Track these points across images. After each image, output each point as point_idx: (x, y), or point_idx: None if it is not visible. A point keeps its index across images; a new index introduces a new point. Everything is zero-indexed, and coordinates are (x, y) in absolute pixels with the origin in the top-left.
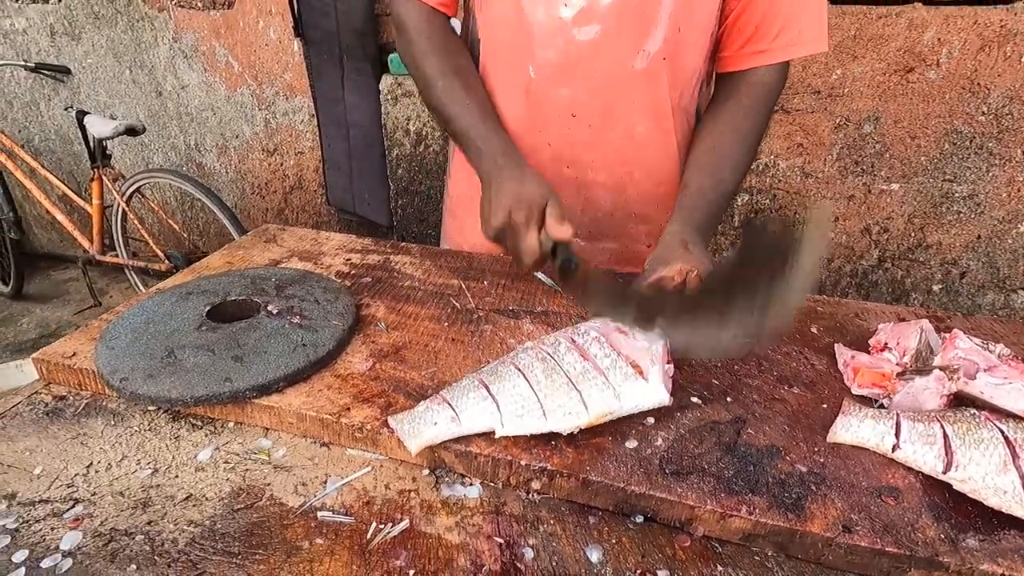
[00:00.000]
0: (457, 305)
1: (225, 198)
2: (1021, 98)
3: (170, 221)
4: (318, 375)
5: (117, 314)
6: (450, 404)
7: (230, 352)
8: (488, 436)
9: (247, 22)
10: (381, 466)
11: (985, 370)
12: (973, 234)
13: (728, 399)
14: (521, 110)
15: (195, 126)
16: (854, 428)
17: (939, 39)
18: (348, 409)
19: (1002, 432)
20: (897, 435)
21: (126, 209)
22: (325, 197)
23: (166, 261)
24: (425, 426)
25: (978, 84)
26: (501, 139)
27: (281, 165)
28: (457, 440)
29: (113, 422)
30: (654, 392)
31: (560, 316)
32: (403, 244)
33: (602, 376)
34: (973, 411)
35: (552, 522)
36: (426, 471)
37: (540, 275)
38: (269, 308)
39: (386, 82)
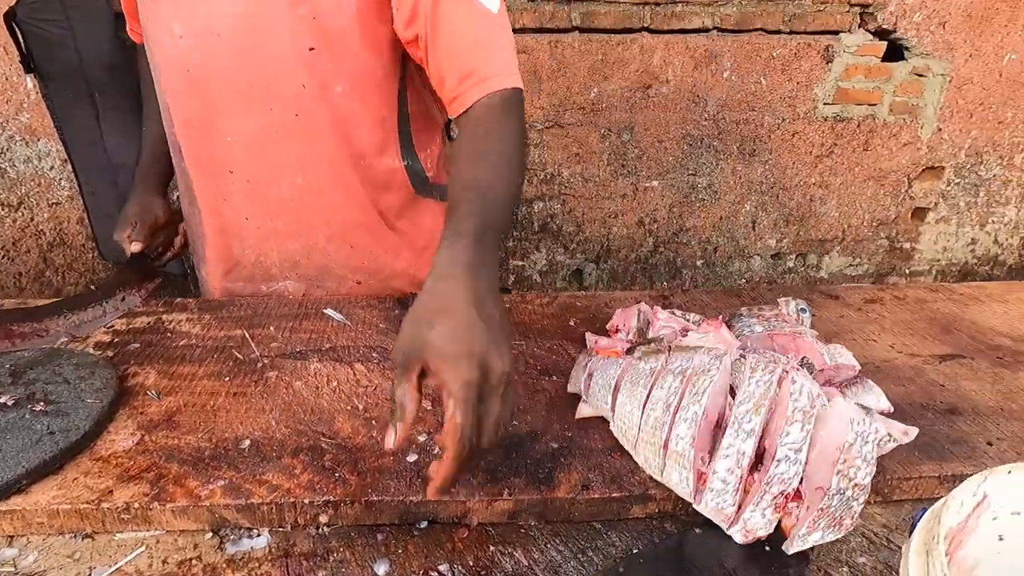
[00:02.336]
0: (240, 356)
1: None
2: (728, 106)
3: None
4: (73, 463)
5: None
6: (588, 380)
7: None
8: (268, 483)
9: None
10: (157, 542)
11: (690, 329)
12: (716, 216)
13: None
14: (193, 166)
15: None
16: (572, 378)
17: (664, 60)
18: (111, 492)
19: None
20: (587, 385)
21: None
22: (97, 251)
23: None
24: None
25: (698, 96)
26: (142, 168)
27: (32, 220)
28: (236, 495)
29: None
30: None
31: (349, 350)
32: (179, 300)
33: (693, 468)
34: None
35: (342, 549)
36: (208, 534)
37: (329, 311)
38: (2, 400)
39: None
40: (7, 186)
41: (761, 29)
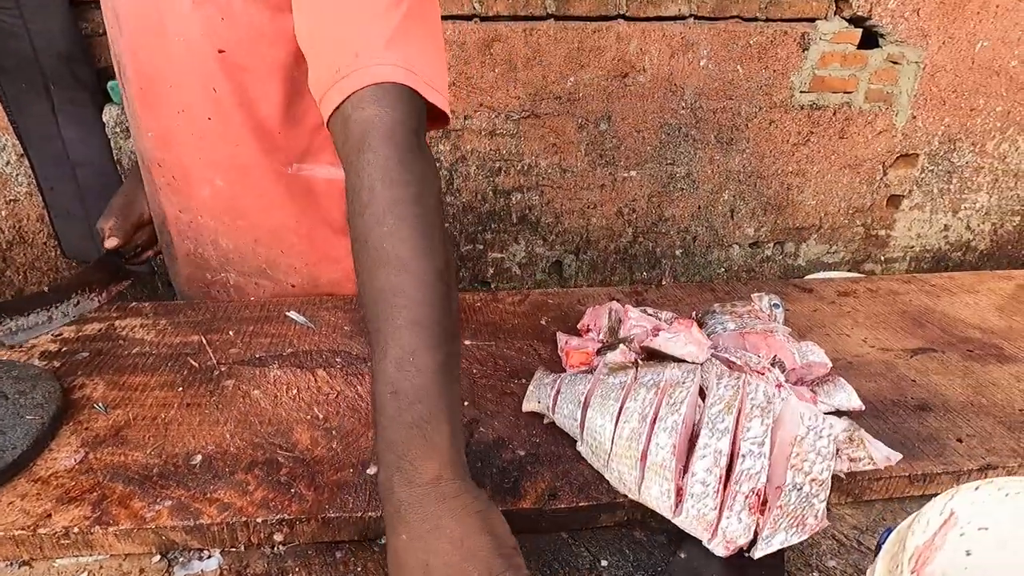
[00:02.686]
0: (196, 364)
1: None
2: (705, 94)
3: None
4: (8, 485)
5: None
6: (555, 396)
7: None
8: (219, 502)
9: None
10: (100, 567)
11: (662, 329)
12: (695, 205)
13: (466, 403)
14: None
15: None
16: (531, 396)
17: (641, 49)
18: (49, 516)
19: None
20: (555, 401)
21: None
22: (59, 249)
23: None
24: (536, 394)
25: (675, 84)
26: (133, 168)
27: None
28: (184, 515)
29: None
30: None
31: (311, 355)
32: (133, 304)
33: (674, 480)
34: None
35: (298, 569)
36: (156, 557)
37: (292, 313)
38: None
39: (111, 113)
40: None
41: (738, 16)
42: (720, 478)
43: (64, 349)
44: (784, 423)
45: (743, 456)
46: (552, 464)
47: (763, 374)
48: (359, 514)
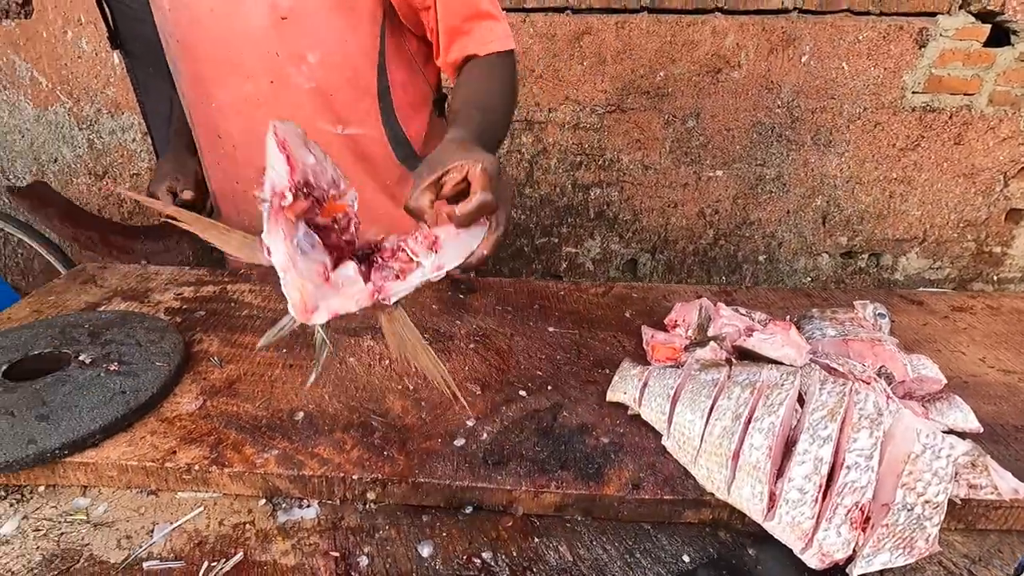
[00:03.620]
0: (297, 330)
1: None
2: (805, 92)
3: None
4: (141, 422)
5: None
6: (642, 388)
7: (33, 411)
8: (319, 456)
9: (52, 32)
10: (215, 504)
11: (755, 330)
12: (783, 209)
13: (549, 388)
14: (195, 131)
15: (1, 151)
16: (617, 386)
17: (738, 44)
18: (174, 452)
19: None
20: (642, 393)
21: None
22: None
23: None
24: (622, 386)
25: (772, 82)
26: (174, 128)
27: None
28: (289, 465)
29: None
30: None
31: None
32: (242, 271)
33: (768, 483)
34: (713, 371)
35: (387, 527)
36: (262, 501)
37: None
38: (81, 358)
39: None
40: (94, 157)
41: (847, 10)
42: (819, 487)
43: (184, 307)
44: (895, 438)
45: (847, 468)
46: (636, 455)
47: (868, 384)
48: (447, 482)
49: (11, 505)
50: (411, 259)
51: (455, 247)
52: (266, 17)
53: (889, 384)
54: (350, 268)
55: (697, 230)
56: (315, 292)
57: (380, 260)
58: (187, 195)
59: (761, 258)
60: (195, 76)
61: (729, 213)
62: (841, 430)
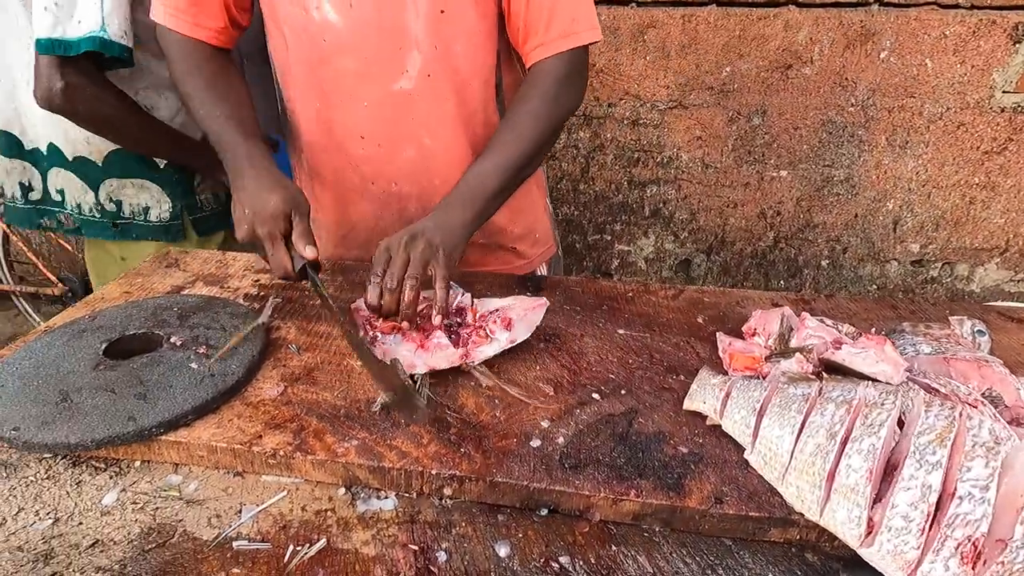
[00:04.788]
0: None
1: None
2: (882, 91)
3: (60, 240)
4: (228, 405)
5: (0, 359)
6: (724, 399)
7: (132, 390)
8: (398, 449)
9: None
10: (297, 489)
11: (844, 343)
12: (851, 213)
13: (623, 392)
14: (316, 134)
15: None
16: (696, 395)
17: (811, 38)
18: (260, 437)
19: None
20: (724, 404)
21: (6, 231)
22: None
23: (60, 284)
24: (701, 395)
25: (846, 79)
26: (247, 145)
27: None
28: (369, 456)
29: (4, 474)
30: None
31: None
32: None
33: (866, 508)
34: (803, 385)
35: (464, 524)
36: (342, 490)
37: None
38: (172, 340)
39: None
40: None
41: (934, 3)
42: (927, 516)
43: (261, 293)
44: (1014, 469)
45: (960, 498)
46: (717, 467)
47: (975, 407)
48: (524, 483)
49: (111, 477)
50: (488, 336)
51: (524, 326)
52: (430, 10)
53: (996, 408)
54: (442, 337)
55: (756, 232)
56: (410, 356)
57: (464, 334)
58: (310, 253)
59: (824, 263)
60: (340, 78)
61: (792, 215)
62: (951, 456)
